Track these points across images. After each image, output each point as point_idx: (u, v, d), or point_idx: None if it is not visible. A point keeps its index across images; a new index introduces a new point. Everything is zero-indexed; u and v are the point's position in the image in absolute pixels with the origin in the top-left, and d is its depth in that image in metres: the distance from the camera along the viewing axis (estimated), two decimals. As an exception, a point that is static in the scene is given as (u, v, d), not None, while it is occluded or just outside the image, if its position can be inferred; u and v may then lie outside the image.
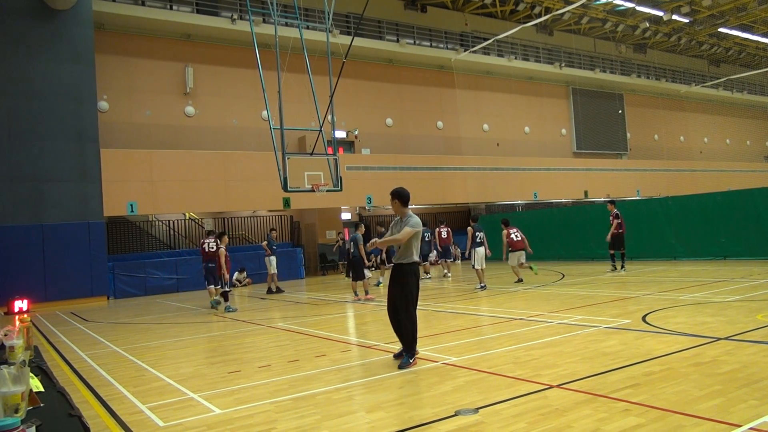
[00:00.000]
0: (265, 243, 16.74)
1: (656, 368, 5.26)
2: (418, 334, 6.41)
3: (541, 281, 14.45)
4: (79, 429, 3.46)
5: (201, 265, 13.97)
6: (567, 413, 4.21)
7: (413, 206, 26.98)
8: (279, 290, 16.53)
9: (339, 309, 11.94)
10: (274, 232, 17.72)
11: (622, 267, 15.39)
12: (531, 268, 14.32)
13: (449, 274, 17.95)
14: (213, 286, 13.32)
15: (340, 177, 14.60)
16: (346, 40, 19.29)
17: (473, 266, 13.75)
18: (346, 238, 22.85)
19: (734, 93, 40.32)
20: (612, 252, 15.54)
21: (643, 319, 7.90)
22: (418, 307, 6.44)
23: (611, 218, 15.34)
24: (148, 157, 19.22)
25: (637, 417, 4.02)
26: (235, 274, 20.27)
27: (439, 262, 19.27)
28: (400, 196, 6.57)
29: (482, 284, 13.56)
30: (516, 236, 14.40)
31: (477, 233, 13.74)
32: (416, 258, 6.42)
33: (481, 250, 13.65)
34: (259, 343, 8.45)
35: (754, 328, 6.74)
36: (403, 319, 6.29)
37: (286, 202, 20.94)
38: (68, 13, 17.60)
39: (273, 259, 16.47)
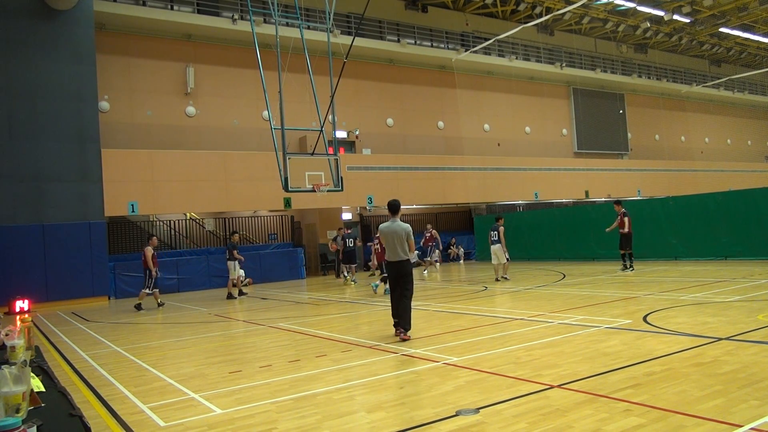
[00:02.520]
0: (236, 252, 16.05)
1: (657, 368, 5.26)
2: (421, 334, 7.39)
3: (542, 281, 14.44)
4: (80, 429, 3.46)
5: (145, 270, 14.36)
6: (568, 413, 4.21)
7: (415, 206, 27.14)
8: (241, 293, 16.27)
9: (340, 309, 11.94)
10: (236, 235, 17.13)
11: (631, 267, 15.44)
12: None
13: (425, 273, 19.67)
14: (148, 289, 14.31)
15: (341, 177, 14.60)
16: (346, 40, 19.29)
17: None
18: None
19: (735, 93, 40.28)
20: (624, 252, 15.47)
21: (644, 319, 7.90)
22: (417, 307, 7.42)
23: (621, 217, 15.30)
24: (148, 157, 19.23)
25: (638, 417, 4.02)
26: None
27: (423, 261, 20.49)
28: (387, 206, 8.17)
29: (497, 277, 15.31)
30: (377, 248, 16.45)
31: (491, 231, 15.23)
32: (386, 258, 8.05)
33: (493, 248, 15.15)
34: (260, 343, 8.45)
35: (755, 329, 6.74)
36: None
37: (287, 202, 20.95)
38: (69, 14, 17.62)
39: (237, 263, 16.04)
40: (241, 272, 17.15)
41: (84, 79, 17.70)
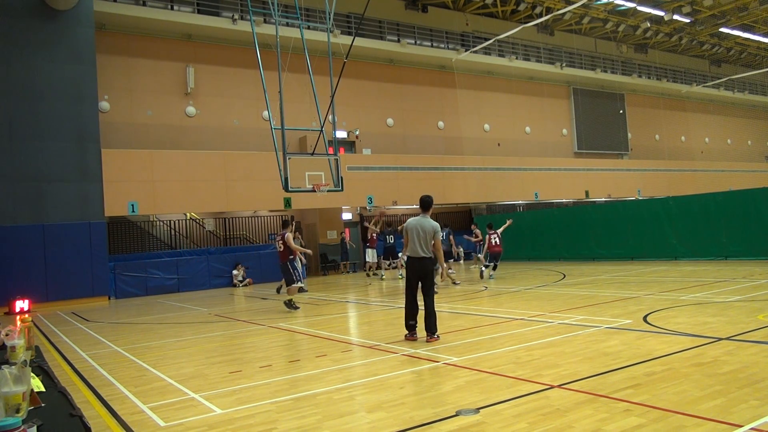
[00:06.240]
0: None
1: (657, 368, 5.26)
2: (422, 334, 7.49)
3: (542, 281, 14.45)
4: (80, 429, 3.46)
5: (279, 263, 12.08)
6: (568, 413, 4.21)
7: (416, 206, 27.08)
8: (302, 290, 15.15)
9: (340, 309, 11.94)
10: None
11: (491, 276, 15.78)
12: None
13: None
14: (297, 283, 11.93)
15: (341, 177, 14.60)
16: (347, 40, 19.29)
17: None
18: (347, 237, 23.08)
19: (735, 93, 40.27)
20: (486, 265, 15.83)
21: (644, 319, 7.90)
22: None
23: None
24: (149, 157, 19.23)
25: (638, 417, 4.02)
26: (234, 273, 20.30)
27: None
28: (419, 202, 7.79)
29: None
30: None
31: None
32: (406, 254, 7.66)
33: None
34: (260, 343, 8.45)
35: (755, 329, 6.74)
36: None
37: (287, 202, 20.95)
38: (69, 14, 17.61)
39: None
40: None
41: (84, 79, 17.70)
